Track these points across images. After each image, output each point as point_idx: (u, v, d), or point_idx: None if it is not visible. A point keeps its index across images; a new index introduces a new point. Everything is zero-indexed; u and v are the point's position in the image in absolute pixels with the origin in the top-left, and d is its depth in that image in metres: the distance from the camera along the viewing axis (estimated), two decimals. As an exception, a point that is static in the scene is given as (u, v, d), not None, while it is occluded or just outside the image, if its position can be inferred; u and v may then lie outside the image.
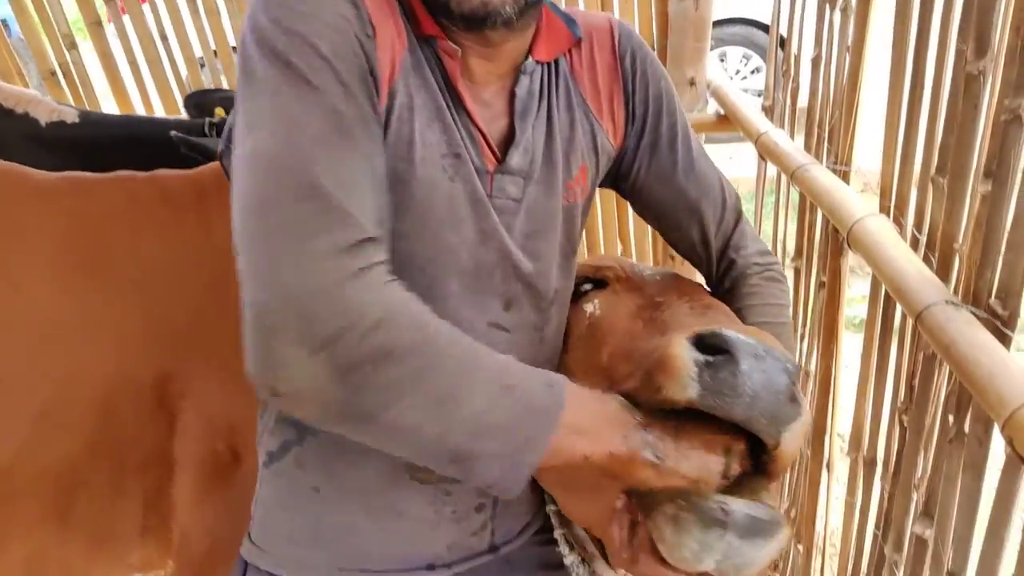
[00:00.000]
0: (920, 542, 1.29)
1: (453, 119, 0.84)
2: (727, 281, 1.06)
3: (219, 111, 1.87)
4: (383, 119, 0.78)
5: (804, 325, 1.92)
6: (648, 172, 1.01)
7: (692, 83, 2.05)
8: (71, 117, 1.85)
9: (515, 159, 0.88)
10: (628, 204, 1.09)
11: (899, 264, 1.12)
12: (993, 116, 0.97)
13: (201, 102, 1.91)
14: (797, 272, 1.87)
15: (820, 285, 1.68)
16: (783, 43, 1.79)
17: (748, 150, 2.22)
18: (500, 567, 1.03)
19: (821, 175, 1.42)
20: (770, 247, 1.18)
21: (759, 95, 4.92)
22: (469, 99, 0.85)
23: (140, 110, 2.43)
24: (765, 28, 4.83)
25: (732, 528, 0.68)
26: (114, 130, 1.88)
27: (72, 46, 2.35)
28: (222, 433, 1.18)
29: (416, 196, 0.81)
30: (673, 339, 0.73)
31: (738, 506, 0.69)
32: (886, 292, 1.40)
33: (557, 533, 1.06)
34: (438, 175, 0.82)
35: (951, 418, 1.14)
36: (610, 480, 0.75)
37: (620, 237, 2.50)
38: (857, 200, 1.31)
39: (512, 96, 0.89)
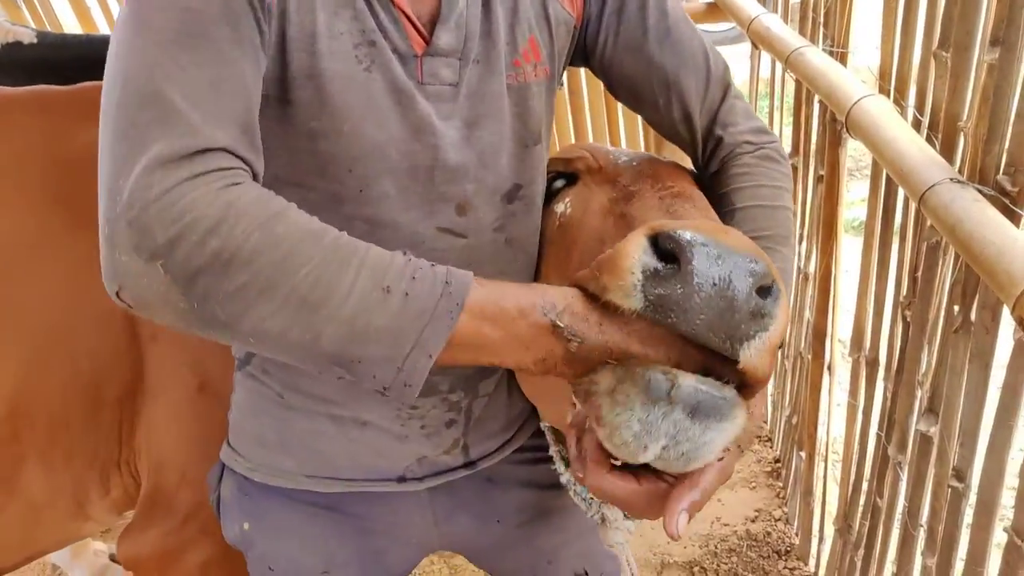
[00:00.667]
0: (925, 440, 1.25)
1: (368, 5, 0.75)
2: (715, 163, 0.93)
3: None
4: (278, 19, 0.71)
5: (802, 226, 1.85)
6: (616, 41, 0.89)
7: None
8: (28, 38, 1.76)
9: (443, 38, 0.78)
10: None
11: (900, 145, 1.04)
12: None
13: None
14: (794, 170, 1.79)
15: (818, 180, 1.60)
16: None
17: (741, 55, 2.10)
18: (479, 483, 1.00)
19: (816, 58, 1.33)
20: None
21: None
22: None
23: (105, 30, 2.32)
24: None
25: (679, 404, 0.59)
26: (75, 51, 1.78)
27: (29, -33, 2.23)
28: (193, 363, 1.13)
29: (327, 91, 0.74)
30: (630, 237, 0.63)
31: (687, 380, 0.60)
32: (887, 180, 1.32)
33: (552, 450, 1.01)
34: (350, 67, 0.74)
35: (956, 308, 1.08)
36: (554, 381, 0.67)
37: (608, 125, 2.39)
38: (855, 81, 1.22)
39: None
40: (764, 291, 0.61)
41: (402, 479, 0.94)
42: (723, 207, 0.90)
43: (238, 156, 0.64)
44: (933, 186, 0.94)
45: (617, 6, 0.88)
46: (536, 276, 0.94)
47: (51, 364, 1.11)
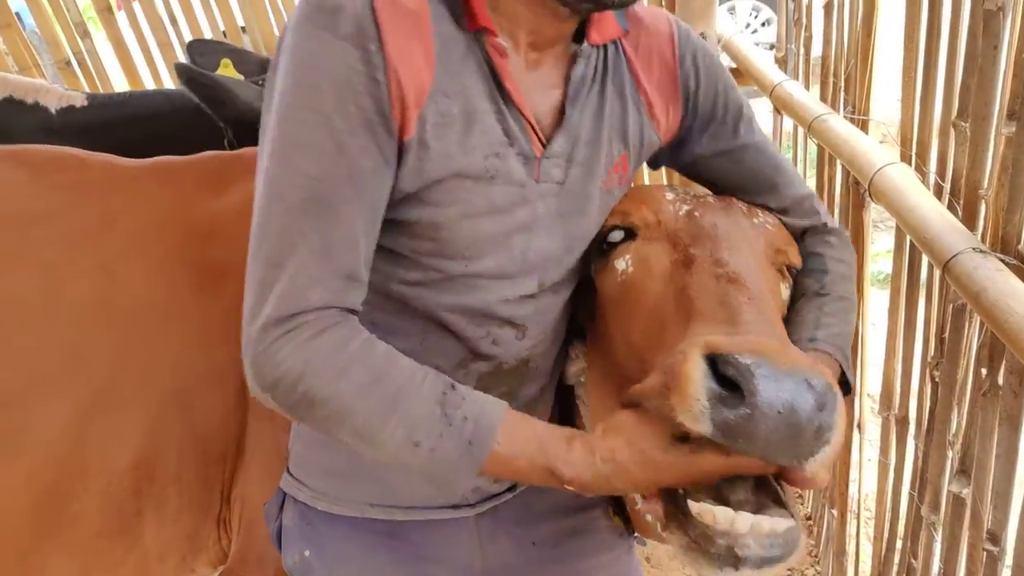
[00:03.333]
0: (958, 501, 1.24)
1: (500, 115, 0.87)
2: (810, 235, 1.08)
3: (226, 62, 1.86)
4: (415, 146, 0.82)
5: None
6: (712, 157, 1.04)
7: (703, 37, 1.98)
8: (79, 101, 1.88)
9: (559, 143, 0.91)
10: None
11: (923, 212, 1.07)
12: (1015, 54, 0.91)
13: (206, 51, 1.89)
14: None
15: (844, 240, 1.63)
16: None
17: (762, 108, 2.15)
18: (518, 507, 1.06)
19: (838, 125, 1.37)
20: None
21: (771, 48, 4.81)
22: (517, 91, 0.87)
23: (151, 86, 2.44)
24: (772, -23, 4.71)
25: (745, 564, 0.69)
26: (120, 109, 1.90)
27: (85, 35, 2.36)
28: (287, 427, 1.17)
29: (457, 195, 0.86)
30: (690, 356, 0.69)
31: (750, 550, 0.69)
32: (911, 243, 1.35)
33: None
34: (479, 175, 0.86)
35: (984, 371, 1.09)
36: None
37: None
38: (877, 149, 1.26)
39: (567, 78, 0.92)
40: (822, 405, 0.66)
41: (456, 506, 1.01)
42: (818, 264, 1.04)
43: (332, 307, 0.79)
44: (956, 255, 0.97)
45: (716, 131, 1.03)
46: (593, 328, 1.03)
47: (171, 421, 1.17)
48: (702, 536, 0.70)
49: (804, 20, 1.70)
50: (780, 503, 0.74)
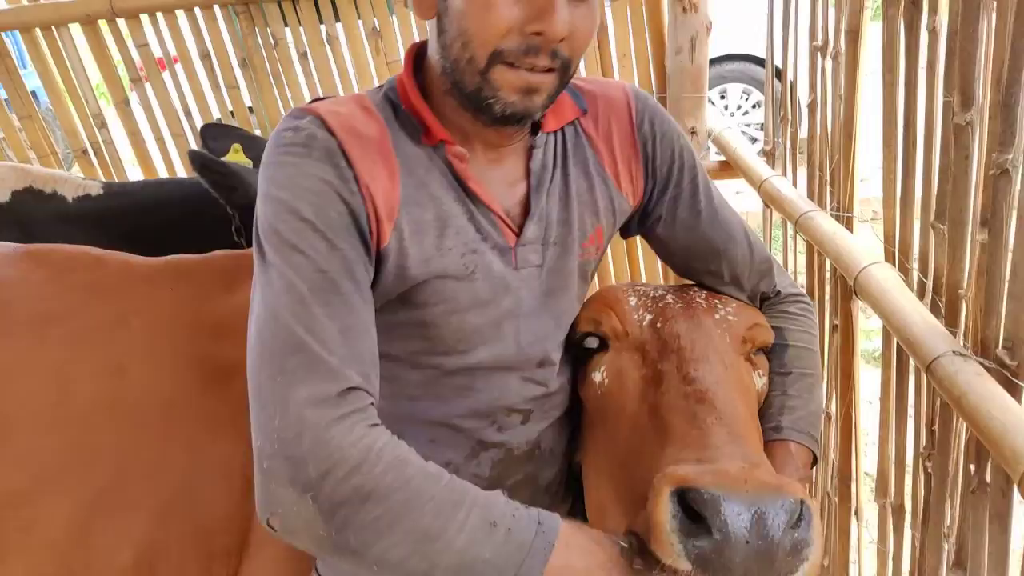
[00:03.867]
0: (955, 595, 1.25)
1: (470, 214, 0.93)
2: (765, 307, 1.13)
3: (236, 147, 1.92)
4: (394, 251, 0.88)
5: (822, 368, 1.90)
6: (673, 223, 1.07)
7: (693, 132, 2.07)
8: (95, 190, 1.95)
9: (531, 231, 0.96)
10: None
11: (906, 314, 1.11)
12: (983, 168, 0.97)
13: (218, 135, 1.96)
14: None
15: (833, 328, 1.67)
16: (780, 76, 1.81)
17: (754, 197, 2.22)
18: None
19: (824, 223, 1.43)
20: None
21: (760, 128, 4.95)
22: (482, 190, 0.93)
23: (164, 175, 2.52)
24: (761, 62, 4.86)
25: None
26: (132, 198, 1.96)
27: (102, 125, 2.45)
28: None
29: (440, 295, 0.91)
30: (659, 499, 0.72)
31: None
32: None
33: None
34: (459, 273, 0.92)
35: (972, 468, 1.12)
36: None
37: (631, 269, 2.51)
38: (861, 247, 1.31)
39: (528, 170, 0.98)
40: (795, 523, 0.69)
41: None
42: (778, 340, 1.09)
43: (368, 393, 0.78)
44: (938, 358, 1.01)
45: (674, 195, 1.06)
46: (582, 442, 1.04)
47: (176, 516, 1.17)
48: None
49: (789, 116, 1.78)
50: None
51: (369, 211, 0.86)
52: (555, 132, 1.00)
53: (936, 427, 1.26)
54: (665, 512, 0.70)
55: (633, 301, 1.04)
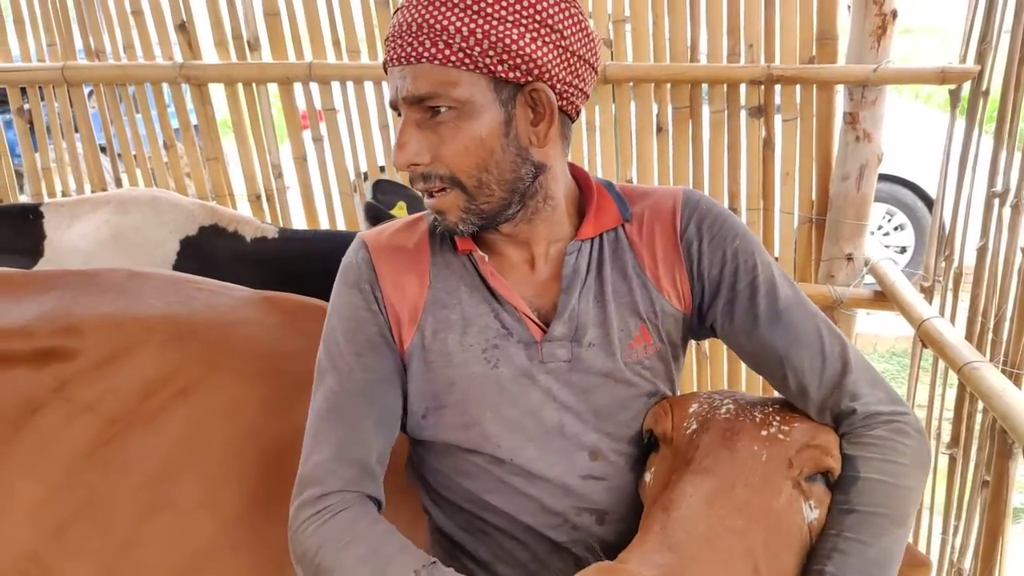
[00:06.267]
0: None
1: (495, 313, 1.02)
2: (844, 427, 0.98)
3: (401, 205, 2.05)
4: (417, 351, 1.03)
5: (958, 518, 1.82)
6: (731, 327, 1.04)
7: (849, 258, 2.07)
8: (272, 233, 2.12)
9: (558, 329, 1.01)
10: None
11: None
12: None
13: (388, 191, 2.09)
14: (953, 460, 1.80)
15: (983, 484, 1.61)
16: (930, 205, 1.80)
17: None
18: None
19: (991, 375, 1.40)
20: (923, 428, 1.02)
21: (900, 251, 4.82)
22: (507, 290, 1.02)
23: (326, 225, 2.70)
24: (909, 185, 4.78)
25: None
26: (302, 245, 2.12)
27: (279, 175, 2.66)
28: None
29: (467, 393, 1.01)
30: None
31: None
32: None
33: None
34: (482, 368, 1.01)
35: None
36: None
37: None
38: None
39: (560, 274, 1.04)
40: None
41: None
42: (847, 471, 0.95)
43: (349, 491, 0.97)
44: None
45: (728, 298, 1.03)
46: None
47: None
48: None
49: (956, 258, 1.76)
50: None
51: (392, 321, 1.03)
52: (593, 239, 1.05)
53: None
54: None
55: (694, 407, 1.02)
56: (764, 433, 0.96)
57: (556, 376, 1.01)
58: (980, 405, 1.65)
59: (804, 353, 0.99)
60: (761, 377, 1.14)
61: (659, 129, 2.20)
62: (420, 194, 1.01)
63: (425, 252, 1.06)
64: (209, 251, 2.11)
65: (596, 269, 1.04)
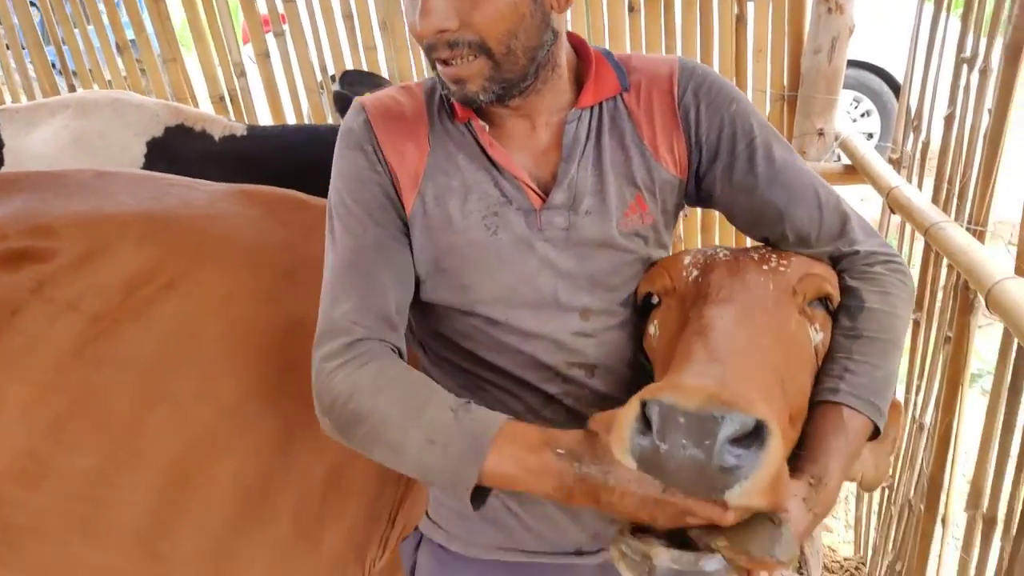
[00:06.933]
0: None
1: (494, 181, 1.03)
2: (845, 265, 1.06)
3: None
4: (419, 217, 1.04)
5: (921, 377, 1.93)
6: (729, 189, 1.07)
7: (820, 134, 2.10)
8: (240, 131, 2.09)
9: (557, 197, 1.03)
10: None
11: (1040, 329, 1.15)
12: None
13: (355, 82, 2.06)
14: (916, 324, 1.89)
15: (945, 340, 1.70)
16: (897, 90, 1.83)
17: (877, 204, 2.24)
18: None
19: (957, 234, 1.46)
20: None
21: (868, 137, 4.87)
22: (506, 159, 1.03)
23: (292, 121, 2.65)
24: (876, 71, 4.79)
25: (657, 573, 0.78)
26: (275, 141, 2.09)
27: (241, 74, 2.59)
28: None
29: (468, 257, 1.03)
30: (630, 403, 0.78)
31: (662, 559, 0.77)
32: (1017, 350, 1.41)
33: None
34: (481, 235, 1.03)
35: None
36: None
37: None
38: (996, 261, 1.35)
39: (560, 142, 1.05)
40: (746, 437, 0.72)
41: (579, 552, 1.09)
42: (852, 300, 1.03)
43: (374, 338, 0.98)
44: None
45: (727, 163, 1.06)
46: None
47: None
48: (631, 550, 0.81)
49: (924, 129, 1.80)
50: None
51: (395, 184, 1.04)
52: (592, 107, 1.06)
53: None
54: (628, 416, 0.76)
55: (687, 260, 1.07)
56: (765, 268, 1.01)
57: (553, 244, 1.03)
58: (945, 266, 1.72)
59: (803, 208, 1.05)
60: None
61: (631, 9, 2.17)
62: (433, 65, 0.99)
63: (423, 119, 1.07)
64: (177, 152, 2.07)
65: (595, 138, 1.05)
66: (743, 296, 0.97)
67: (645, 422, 0.76)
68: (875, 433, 0.98)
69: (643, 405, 0.76)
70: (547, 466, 0.86)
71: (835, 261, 1.07)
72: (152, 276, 1.28)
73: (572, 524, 1.08)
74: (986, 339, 1.89)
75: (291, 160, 2.06)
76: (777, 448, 0.74)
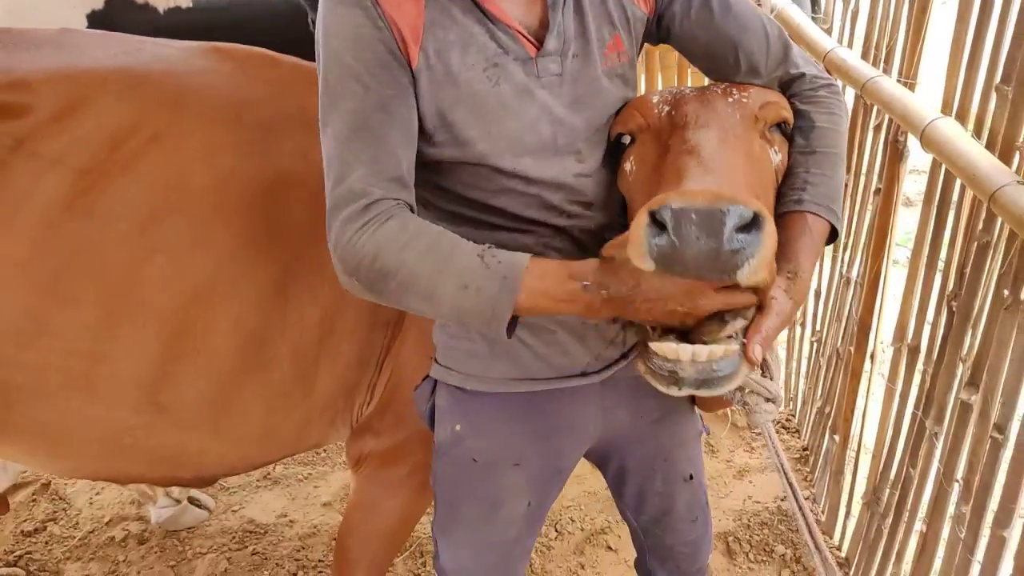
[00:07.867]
0: (964, 407, 1.49)
1: (490, 33, 1.07)
2: (792, 89, 1.19)
3: None
4: (424, 71, 1.05)
5: (848, 235, 2.11)
6: (688, 23, 1.17)
7: (759, 4, 2.19)
8: (186, 3, 2.01)
9: (551, 44, 1.09)
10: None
11: (972, 156, 1.30)
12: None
13: None
14: (843, 186, 2.05)
15: (876, 192, 1.86)
16: None
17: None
18: (632, 382, 1.22)
19: (891, 86, 1.59)
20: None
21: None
22: (499, 10, 1.07)
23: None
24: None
25: (684, 384, 0.93)
26: (222, 13, 2.02)
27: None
28: None
29: (472, 109, 1.06)
30: (638, 217, 0.87)
31: (687, 373, 0.92)
32: (942, 189, 1.58)
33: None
34: (484, 86, 1.06)
35: (1006, 292, 1.33)
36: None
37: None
38: (927, 106, 1.49)
39: None
40: (746, 226, 0.84)
41: (584, 374, 1.19)
42: (804, 122, 1.16)
43: (389, 198, 1.01)
44: (1002, 187, 1.20)
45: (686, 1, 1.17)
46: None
47: None
48: (655, 364, 0.94)
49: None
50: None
51: (397, 38, 1.04)
52: None
53: (968, 270, 1.47)
54: (640, 225, 0.87)
55: (656, 99, 1.16)
56: (730, 99, 1.12)
57: (550, 91, 1.09)
58: (874, 121, 1.87)
59: (752, 37, 1.17)
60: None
61: None
62: None
63: None
64: (120, 25, 1.98)
65: None
66: (717, 122, 1.08)
67: (657, 227, 0.86)
68: (832, 235, 1.13)
69: (652, 215, 0.86)
70: (574, 296, 0.97)
71: (784, 87, 1.20)
72: (136, 129, 1.27)
73: (579, 347, 1.18)
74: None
75: (242, 33, 2.00)
76: (772, 230, 0.87)
